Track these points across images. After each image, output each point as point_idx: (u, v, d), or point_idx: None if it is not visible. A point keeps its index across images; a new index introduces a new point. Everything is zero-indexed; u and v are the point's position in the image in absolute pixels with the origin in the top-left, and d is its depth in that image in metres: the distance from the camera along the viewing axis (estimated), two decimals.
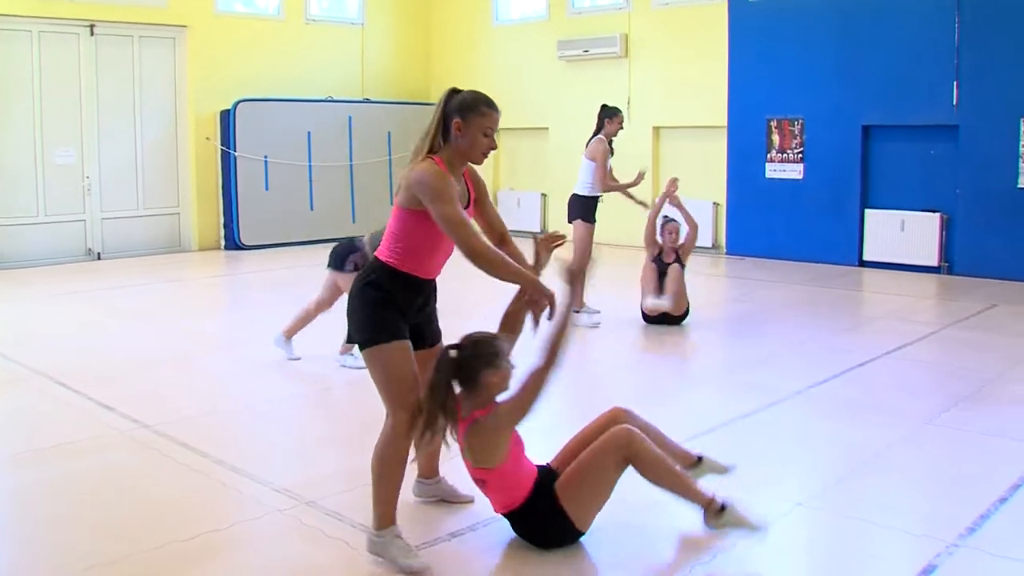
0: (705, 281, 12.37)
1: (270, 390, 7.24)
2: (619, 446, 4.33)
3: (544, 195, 17.26)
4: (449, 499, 4.93)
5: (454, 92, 4.34)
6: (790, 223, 13.92)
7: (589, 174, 9.45)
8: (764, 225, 14.18)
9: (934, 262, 12.76)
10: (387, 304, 4.25)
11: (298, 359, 7.98)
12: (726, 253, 14.68)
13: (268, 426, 6.44)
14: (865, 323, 10.00)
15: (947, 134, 12.58)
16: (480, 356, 4.20)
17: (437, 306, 4.59)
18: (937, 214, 12.72)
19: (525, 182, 17.52)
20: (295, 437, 6.17)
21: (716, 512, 4.39)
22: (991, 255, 12.22)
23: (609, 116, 9.55)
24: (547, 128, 16.89)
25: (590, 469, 4.36)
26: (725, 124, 14.65)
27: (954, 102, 12.46)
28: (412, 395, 4.22)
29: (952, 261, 12.68)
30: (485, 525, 4.61)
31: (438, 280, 4.48)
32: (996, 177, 12.10)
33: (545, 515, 4.32)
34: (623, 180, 9.74)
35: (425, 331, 4.49)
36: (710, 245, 14.83)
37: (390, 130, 17.08)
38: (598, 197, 9.57)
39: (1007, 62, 12.04)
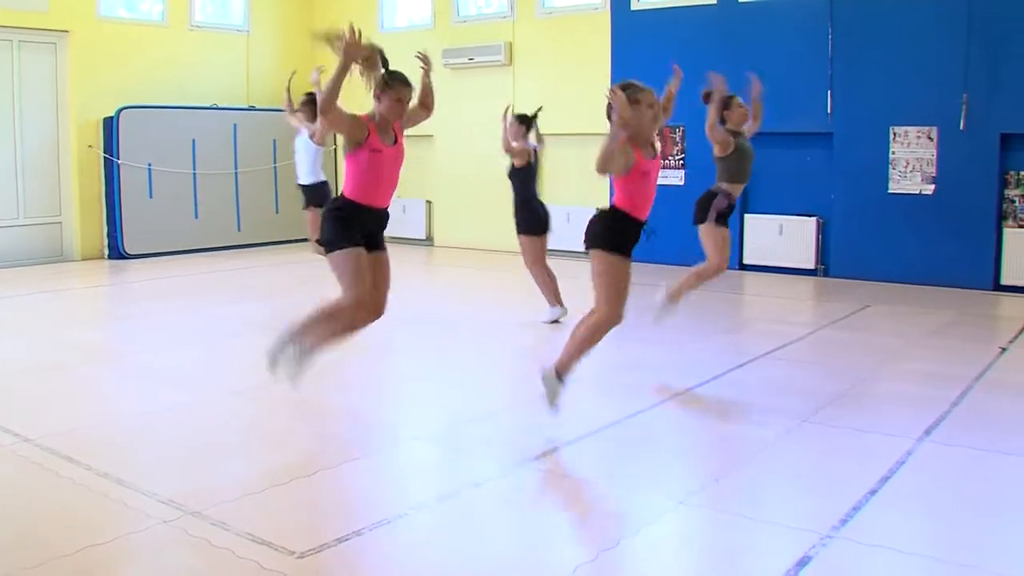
0: (588, 286, 12.52)
1: (155, 400, 7.14)
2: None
3: (429, 202, 17.31)
4: None
5: None
6: (671, 229, 14.12)
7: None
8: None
9: (811, 265, 13.15)
10: (348, 223, 6.06)
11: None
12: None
13: (153, 436, 6.35)
14: (744, 325, 10.27)
15: (822, 141, 12.98)
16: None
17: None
18: (813, 218, 13.12)
19: (410, 190, 17.49)
20: (181, 447, 6.09)
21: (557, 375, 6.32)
22: (864, 257, 12.65)
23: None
24: (432, 136, 16.92)
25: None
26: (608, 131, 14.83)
27: (828, 111, 12.88)
28: (362, 285, 6.04)
29: (828, 264, 13.09)
30: (371, 530, 4.64)
31: None
32: (868, 182, 12.54)
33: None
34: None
35: (377, 240, 6.32)
36: None
37: (275, 138, 16.93)
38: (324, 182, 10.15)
39: (877, 73, 12.50)
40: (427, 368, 8.12)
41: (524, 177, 9.65)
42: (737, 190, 8.55)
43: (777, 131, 13.33)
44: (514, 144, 9.53)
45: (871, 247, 12.63)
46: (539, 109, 9.90)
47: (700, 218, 8.56)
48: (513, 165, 9.64)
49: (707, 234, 8.53)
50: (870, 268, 12.59)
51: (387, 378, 8.04)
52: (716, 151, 8.53)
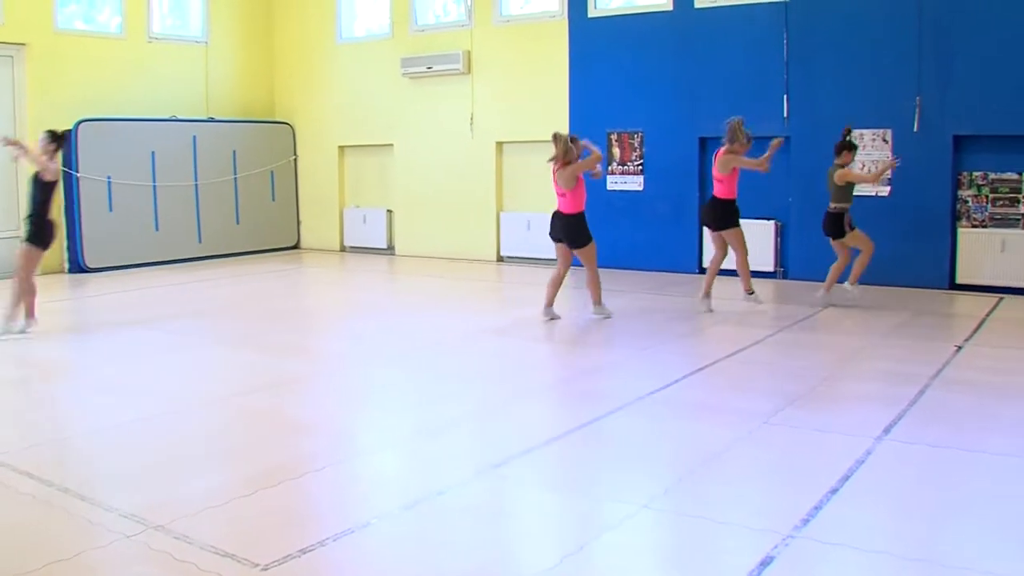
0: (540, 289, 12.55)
1: (114, 415, 7.08)
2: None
3: (390, 211, 17.28)
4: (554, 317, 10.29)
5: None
6: (632, 233, 14.27)
7: None
8: (607, 236, 14.42)
9: (771, 267, 13.26)
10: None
11: None
12: (571, 264, 14.92)
13: (114, 451, 6.31)
14: (705, 328, 10.31)
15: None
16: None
17: None
18: (772, 221, 13.24)
19: (371, 199, 17.51)
20: (142, 461, 6.06)
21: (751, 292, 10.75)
22: (822, 260, 12.69)
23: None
24: (392, 144, 16.93)
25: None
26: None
27: (785, 115, 13.00)
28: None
29: (787, 266, 13.20)
30: (335, 540, 4.64)
31: None
32: (826, 185, 12.60)
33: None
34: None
35: None
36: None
37: (235, 149, 16.90)
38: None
39: (832, 76, 12.66)
40: (390, 378, 8.12)
41: (50, 192, 9.85)
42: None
43: None
44: (48, 161, 9.80)
45: (830, 249, 12.66)
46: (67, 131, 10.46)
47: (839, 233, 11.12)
48: (42, 178, 9.79)
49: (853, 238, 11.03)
50: (828, 270, 12.66)
51: (350, 388, 8.02)
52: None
